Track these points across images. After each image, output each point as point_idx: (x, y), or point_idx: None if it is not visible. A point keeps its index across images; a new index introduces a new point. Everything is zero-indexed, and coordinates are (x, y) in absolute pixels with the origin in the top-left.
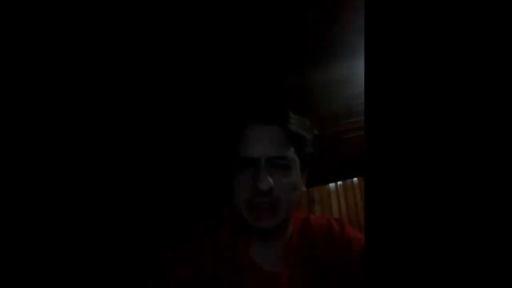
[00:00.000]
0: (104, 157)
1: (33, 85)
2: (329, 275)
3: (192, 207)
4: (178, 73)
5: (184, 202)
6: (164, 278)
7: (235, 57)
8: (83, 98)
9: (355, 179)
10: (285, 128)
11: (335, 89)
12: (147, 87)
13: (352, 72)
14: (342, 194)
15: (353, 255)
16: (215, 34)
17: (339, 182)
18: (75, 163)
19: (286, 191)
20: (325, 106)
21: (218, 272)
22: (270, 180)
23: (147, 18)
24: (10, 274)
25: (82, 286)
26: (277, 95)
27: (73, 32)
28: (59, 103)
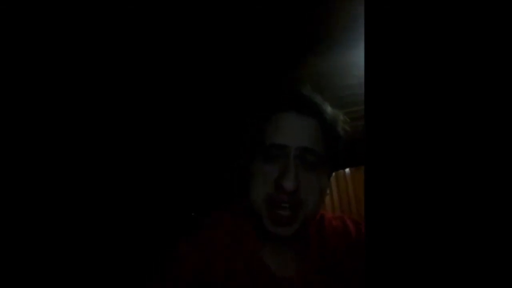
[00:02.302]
0: (105, 155)
1: (33, 85)
2: (344, 280)
3: (192, 205)
4: (185, 67)
5: (185, 199)
6: (169, 279)
7: (233, 49)
8: (83, 98)
9: (347, 170)
10: (320, 121)
11: (327, 81)
12: (152, 84)
13: (344, 63)
14: (334, 185)
15: None
16: (212, 33)
17: None
18: (75, 163)
19: (311, 194)
20: None
21: (226, 276)
22: (297, 178)
23: (155, 17)
24: (10, 274)
25: (82, 286)
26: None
27: (73, 32)
28: (59, 103)
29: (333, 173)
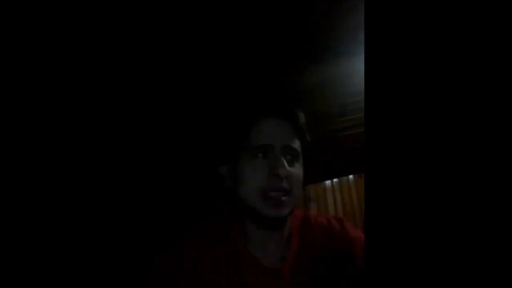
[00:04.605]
0: (103, 156)
1: (33, 85)
2: (329, 273)
3: (189, 204)
4: (179, 71)
5: (182, 199)
6: (165, 277)
7: (235, 56)
8: (83, 98)
9: (350, 176)
10: (295, 124)
11: (329, 88)
12: (147, 86)
13: (347, 71)
14: (338, 192)
15: (353, 254)
16: (215, 34)
17: (335, 180)
18: (75, 163)
19: (296, 182)
20: (320, 105)
21: (218, 270)
22: (287, 166)
23: (150, 18)
24: (10, 274)
25: (82, 286)
26: (286, 92)
27: (73, 32)
28: (59, 103)
29: (336, 180)
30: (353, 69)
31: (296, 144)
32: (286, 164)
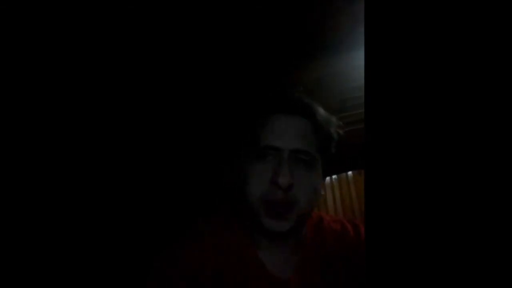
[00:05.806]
0: (104, 155)
1: (33, 85)
2: (342, 280)
3: (191, 205)
4: (179, 69)
5: (183, 200)
6: (165, 277)
7: (234, 56)
8: (83, 98)
9: (349, 173)
10: (313, 121)
11: (328, 84)
12: (148, 84)
13: (346, 67)
14: (337, 188)
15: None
16: (214, 30)
17: (334, 176)
18: (75, 163)
19: (306, 191)
20: (318, 101)
21: (222, 275)
22: (291, 175)
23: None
24: (10, 274)
25: (82, 286)
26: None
27: (73, 32)
28: (59, 103)
29: (335, 177)
30: (352, 65)
31: (312, 147)
32: (288, 172)
